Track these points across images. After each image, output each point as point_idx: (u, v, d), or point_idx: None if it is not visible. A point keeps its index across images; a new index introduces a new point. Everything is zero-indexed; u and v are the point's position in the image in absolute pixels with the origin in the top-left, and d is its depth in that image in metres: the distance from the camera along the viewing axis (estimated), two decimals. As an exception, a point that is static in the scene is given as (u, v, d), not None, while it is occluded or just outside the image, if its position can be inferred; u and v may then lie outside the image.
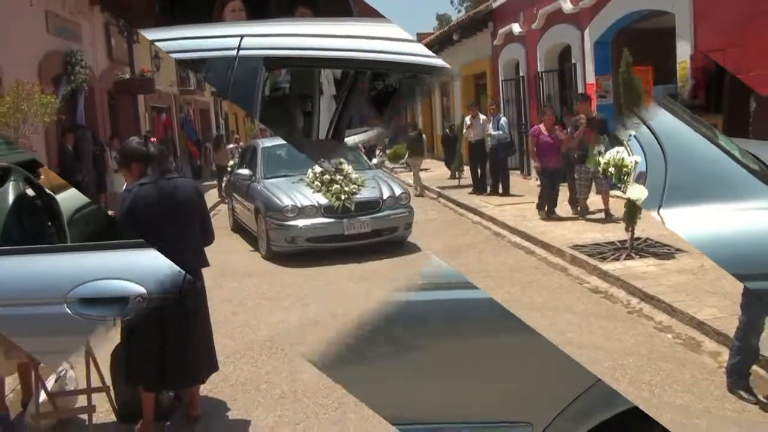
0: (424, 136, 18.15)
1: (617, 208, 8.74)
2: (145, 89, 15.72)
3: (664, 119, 2.39)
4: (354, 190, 9.19)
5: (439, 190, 15.10)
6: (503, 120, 13.38)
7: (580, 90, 12.35)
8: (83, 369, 3.98)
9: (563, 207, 10.37)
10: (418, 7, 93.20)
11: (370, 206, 9.18)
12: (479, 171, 13.98)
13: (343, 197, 9.04)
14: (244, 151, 12.50)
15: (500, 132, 13.04)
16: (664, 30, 10.13)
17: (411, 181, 15.62)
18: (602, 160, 6.98)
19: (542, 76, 14.37)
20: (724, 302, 5.64)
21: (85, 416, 4.03)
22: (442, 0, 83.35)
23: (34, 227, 3.77)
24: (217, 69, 2.46)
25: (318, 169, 9.33)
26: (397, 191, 9.59)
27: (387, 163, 19.46)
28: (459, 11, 39.15)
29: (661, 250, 7.59)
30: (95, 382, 4.03)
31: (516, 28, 15.26)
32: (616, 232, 8.46)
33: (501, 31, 16.16)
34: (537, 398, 2.12)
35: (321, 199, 9.07)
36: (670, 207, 2.18)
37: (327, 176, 9.25)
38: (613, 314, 6.09)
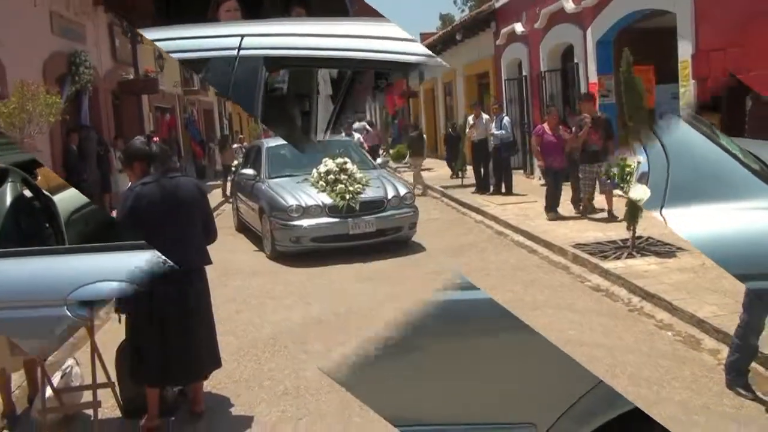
0: (425, 136, 18.17)
1: (619, 208, 8.75)
2: (149, 89, 15.75)
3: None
4: (358, 190, 9.19)
5: (442, 189, 15.14)
6: (506, 119, 13.39)
7: (583, 89, 12.35)
8: (89, 365, 4.03)
9: (566, 206, 10.39)
10: (421, 7, 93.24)
11: (375, 206, 9.17)
12: (482, 170, 14.01)
13: (347, 197, 9.04)
14: (248, 151, 12.50)
15: (503, 131, 13.05)
16: (666, 29, 10.14)
17: (411, 181, 15.61)
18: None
19: (545, 75, 14.38)
20: (724, 300, 5.66)
21: (90, 412, 4.09)
22: (445, 0, 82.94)
23: (32, 229, 3.79)
24: (217, 69, 2.48)
25: (322, 168, 9.35)
26: (402, 191, 9.59)
27: (391, 163, 19.47)
28: (462, 11, 39.09)
29: (663, 249, 7.61)
30: (100, 378, 4.08)
31: (519, 27, 15.27)
32: (618, 231, 8.47)
33: (504, 30, 16.17)
34: (540, 399, 2.12)
35: (325, 199, 9.07)
36: (672, 207, 2.18)
37: (331, 176, 9.26)
38: (614, 312, 6.12)
